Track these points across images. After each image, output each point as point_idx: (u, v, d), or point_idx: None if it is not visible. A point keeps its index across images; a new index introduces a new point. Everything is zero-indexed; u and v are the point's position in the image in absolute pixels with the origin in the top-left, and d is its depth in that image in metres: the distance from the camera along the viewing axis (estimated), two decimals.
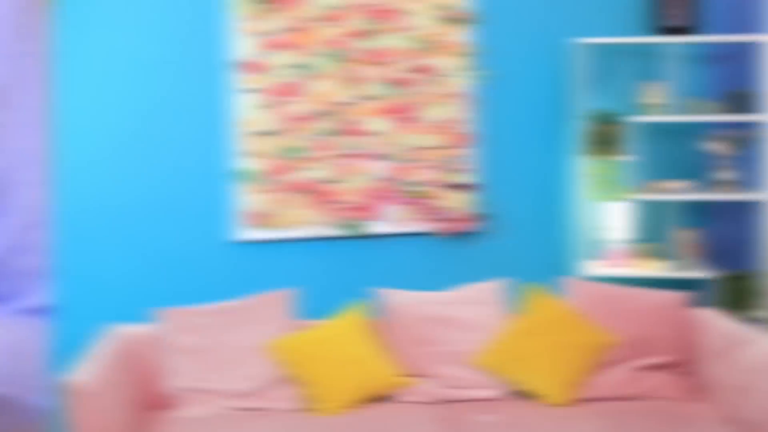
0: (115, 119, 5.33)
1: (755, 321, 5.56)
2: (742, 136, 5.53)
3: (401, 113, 5.51)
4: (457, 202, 5.57)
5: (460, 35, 5.58)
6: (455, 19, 5.54)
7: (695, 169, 5.91)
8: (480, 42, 5.66)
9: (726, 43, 5.81)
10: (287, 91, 5.38)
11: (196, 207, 5.43)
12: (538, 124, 5.78)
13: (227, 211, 5.46)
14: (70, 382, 3.87)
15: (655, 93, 5.54)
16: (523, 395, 4.68)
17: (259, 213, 5.40)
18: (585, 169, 5.63)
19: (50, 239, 4.67)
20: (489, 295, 4.84)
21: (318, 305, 5.34)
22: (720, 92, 5.81)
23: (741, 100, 5.56)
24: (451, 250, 5.71)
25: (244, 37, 5.36)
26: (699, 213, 5.96)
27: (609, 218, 5.61)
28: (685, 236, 5.57)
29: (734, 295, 5.52)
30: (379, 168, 5.50)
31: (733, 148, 5.52)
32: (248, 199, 5.40)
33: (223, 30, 5.39)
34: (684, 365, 4.75)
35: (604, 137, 5.50)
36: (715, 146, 5.55)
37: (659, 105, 5.57)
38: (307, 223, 5.47)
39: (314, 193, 5.45)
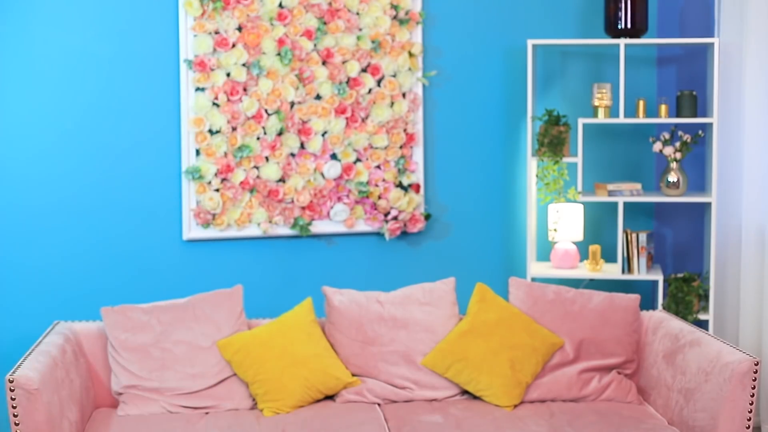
0: (67, 117, 5.26)
1: (702, 323, 5.59)
2: (691, 138, 5.56)
3: (350, 113, 5.49)
4: (405, 202, 5.56)
5: (410, 35, 5.57)
6: (405, 19, 5.52)
7: (644, 171, 5.94)
8: (430, 42, 5.66)
9: (676, 46, 5.84)
10: (236, 89, 5.34)
11: (146, 205, 5.37)
12: (488, 124, 5.78)
13: (177, 209, 5.40)
14: (15, 379, 3.81)
15: (605, 95, 5.55)
16: (470, 396, 4.67)
17: (207, 211, 5.35)
18: (534, 171, 5.64)
19: None
20: (436, 296, 4.83)
21: (266, 304, 5.32)
22: (670, 94, 5.84)
23: (690, 103, 5.59)
24: (398, 250, 5.70)
25: (193, 35, 5.31)
26: (648, 215, 5.99)
27: (558, 219, 5.61)
28: (633, 238, 5.58)
29: (682, 297, 5.55)
30: (327, 167, 5.48)
31: (682, 151, 5.55)
32: (197, 197, 5.36)
33: (173, 27, 5.35)
34: (631, 367, 4.76)
35: (554, 138, 5.51)
36: (664, 148, 5.58)
37: (609, 107, 5.58)
38: (255, 222, 5.44)
39: (262, 192, 5.41)
